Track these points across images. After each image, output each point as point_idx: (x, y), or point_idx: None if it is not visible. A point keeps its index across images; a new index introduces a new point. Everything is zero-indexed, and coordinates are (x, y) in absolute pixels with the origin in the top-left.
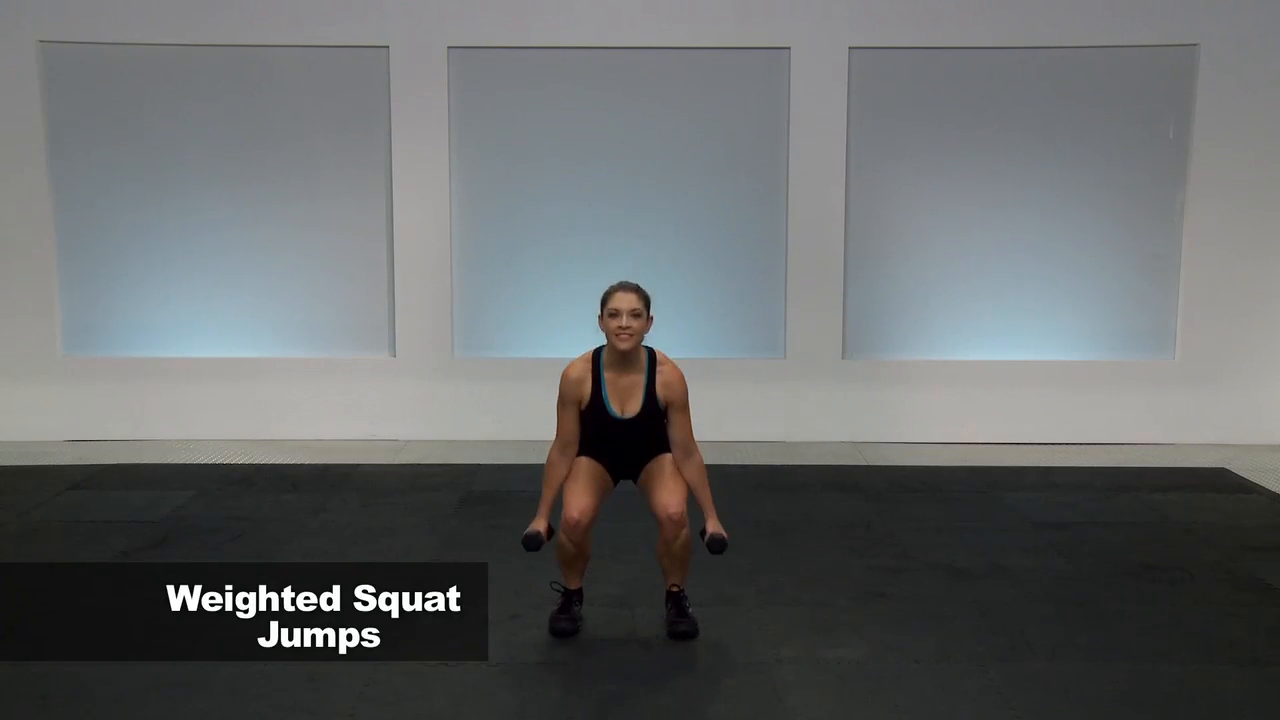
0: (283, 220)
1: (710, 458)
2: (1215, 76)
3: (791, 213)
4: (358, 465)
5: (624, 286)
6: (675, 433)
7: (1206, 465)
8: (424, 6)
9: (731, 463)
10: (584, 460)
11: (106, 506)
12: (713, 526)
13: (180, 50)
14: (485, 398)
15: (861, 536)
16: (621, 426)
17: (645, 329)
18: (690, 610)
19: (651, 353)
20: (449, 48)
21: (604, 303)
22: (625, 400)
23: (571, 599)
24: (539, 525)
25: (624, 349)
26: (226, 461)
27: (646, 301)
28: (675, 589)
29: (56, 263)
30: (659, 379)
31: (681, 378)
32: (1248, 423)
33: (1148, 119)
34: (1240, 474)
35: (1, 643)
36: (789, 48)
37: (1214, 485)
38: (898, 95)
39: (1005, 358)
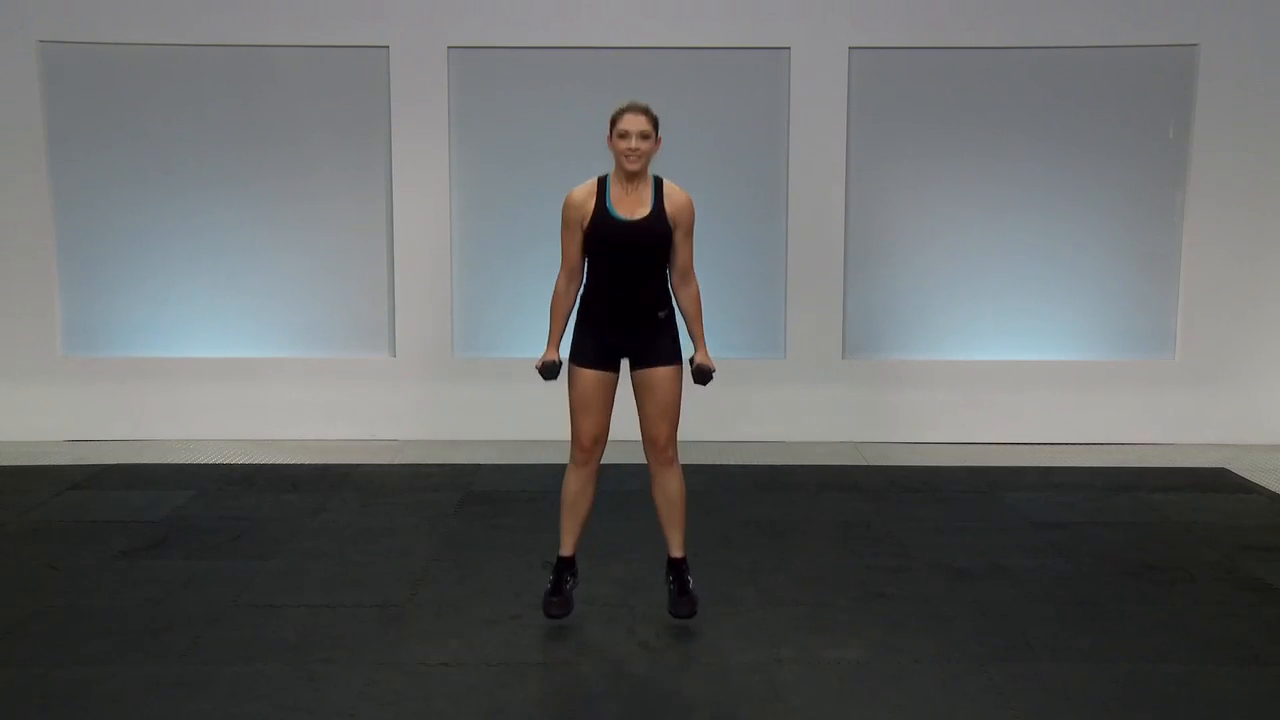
0: (283, 220)
1: (710, 458)
2: (1215, 76)
3: (791, 213)
4: (358, 465)
5: (633, 108)
6: (678, 257)
7: (1206, 465)
8: (424, 6)
9: (731, 463)
10: (582, 376)
11: (106, 506)
12: (700, 357)
13: (180, 50)
14: (485, 398)
15: (861, 536)
16: (627, 230)
17: (654, 150)
18: (691, 586)
19: (658, 177)
20: (449, 48)
21: (613, 123)
22: (633, 209)
23: (564, 573)
24: (551, 355)
25: (632, 169)
26: (226, 461)
27: (655, 122)
28: (678, 556)
29: (56, 263)
30: (667, 199)
31: (690, 201)
32: (1248, 423)
33: (1148, 119)
34: (1240, 474)
35: (1, 643)
36: (789, 48)
37: (1214, 485)
38: (898, 95)
39: (1005, 358)
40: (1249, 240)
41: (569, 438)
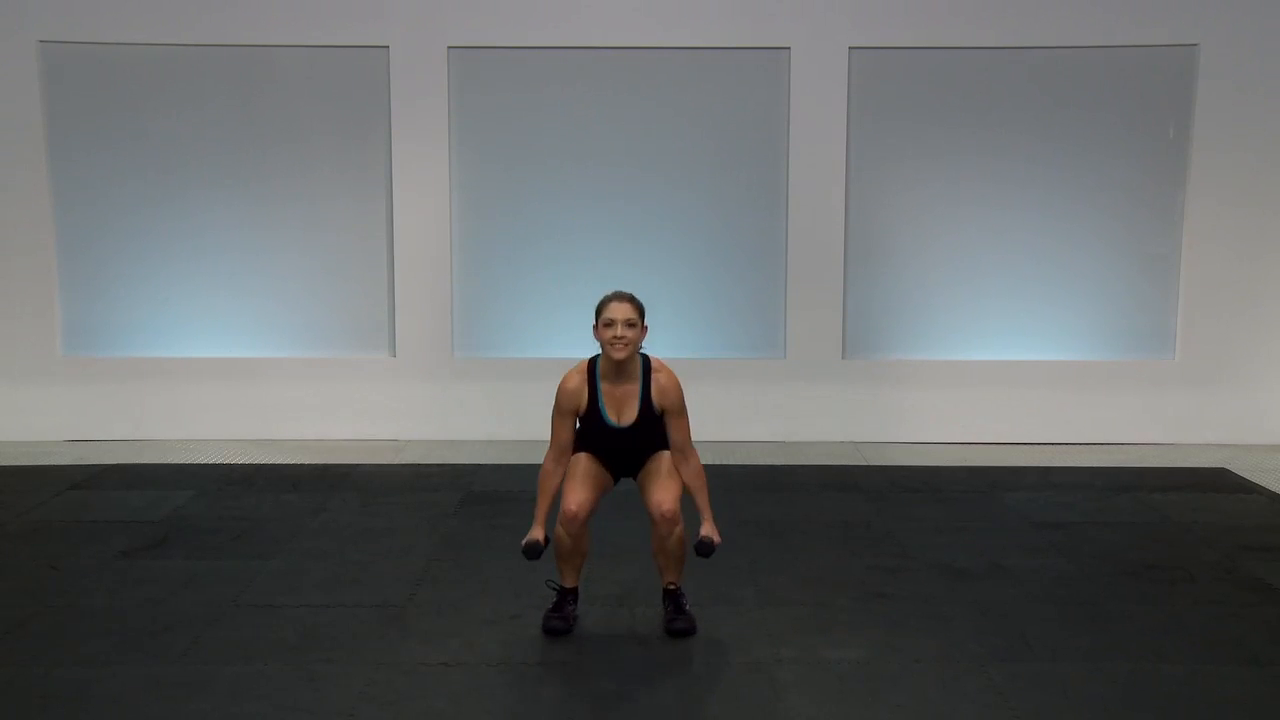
0: (283, 220)
1: (710, 458)
2: (1215, 76)
3: (791, 213)
4: (358, 465)
5: (618, 296)
6: (673, 437)
7: (1206, 465)
8: (424, 6)
9: (731, 463)
10: (583, 456)
11: (106, 506)
12: (706, 530)
13: (181, 50)
14: (485, 398)
15: (861, 536)
16: (619, 435)
17: (640, 338)
18: (688, 608)
19: (646, 360)
20: (449, 48)
21: (598, 313)
22: (621, 409)
23: (566, 598)
24: (536, 534)
25: (619, 359)
26: (226, 461)
27: (641, 311)
28: (672, 587)
29: (56, 263)
30: (654, 387)
31: (677, 384)
32: (1248, 423)
33: (1148, 119)
34: (1240, 474)
35: (1, 643)
36: (789, 48)
37: (1214, 485)
38: (898, 95)
39: (1005, 358)
40: (1249, 240)
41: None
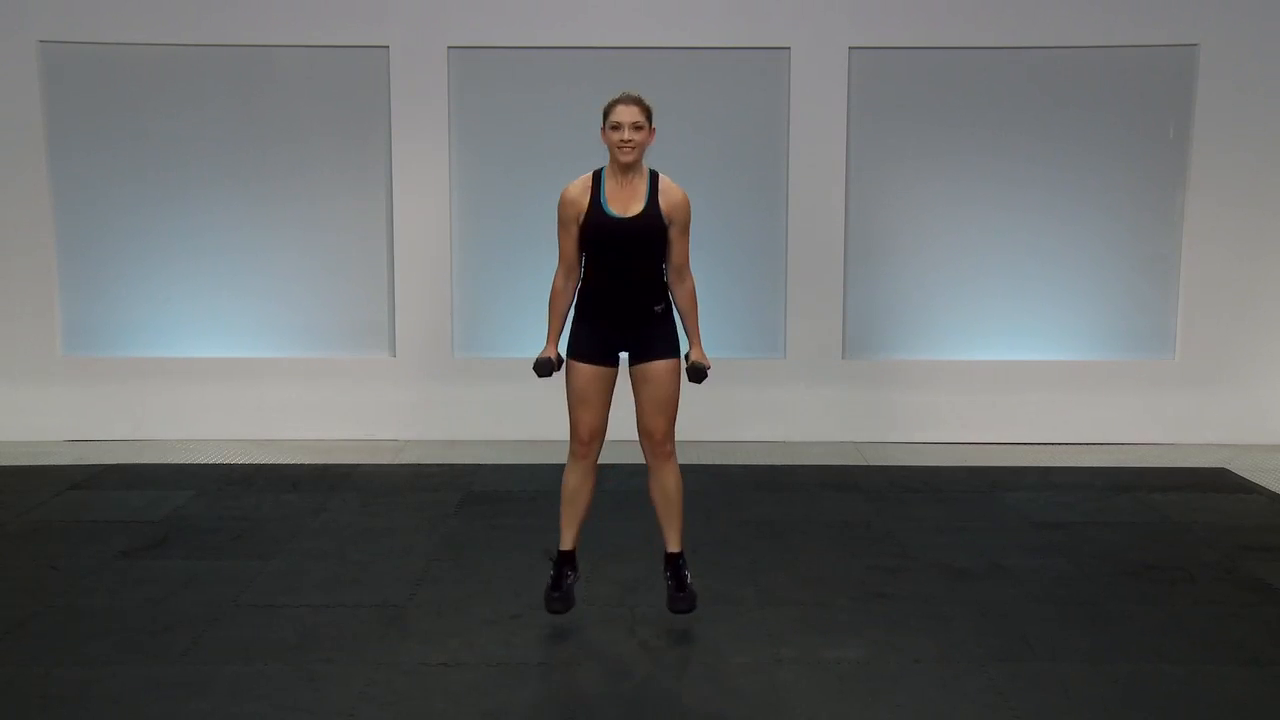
0: (283, 220)
1: (710, 458)
2: (1215, 76)
3: (791, 213)
4: (358, 465)
5: (625, 99)
6: (674, 254)
7: (1206, 465)
8: (424, 6)
9: (731, 463)
10: (580, 371)
11: (106, 506)
12: (696, 355)
13: (180, 50)
14: (485, 398)
15: (861, 536)
16: (622, 227)
17: (648, 141)
18: (690, 582)
19: (654, 172)
20: (449, 48)
21: (605, 115)
22: (626, 205)
23: (564, 568)
24: (549, 351)
25: (626, 161)
26: (226, 461)
27: (648, 113)
28: (674, 552)
29: (56, 263)
30: (663, 193)
31: (686, 197)
32: (1248, 423)
33: (1148, 119)
34: (1240, 474)
35: (1, 643)
36: (789, 48)
37: (1214, 485)
38: (898, 95)
39: (1005, 358)
40: (1249, 240)
41: (568, 434)
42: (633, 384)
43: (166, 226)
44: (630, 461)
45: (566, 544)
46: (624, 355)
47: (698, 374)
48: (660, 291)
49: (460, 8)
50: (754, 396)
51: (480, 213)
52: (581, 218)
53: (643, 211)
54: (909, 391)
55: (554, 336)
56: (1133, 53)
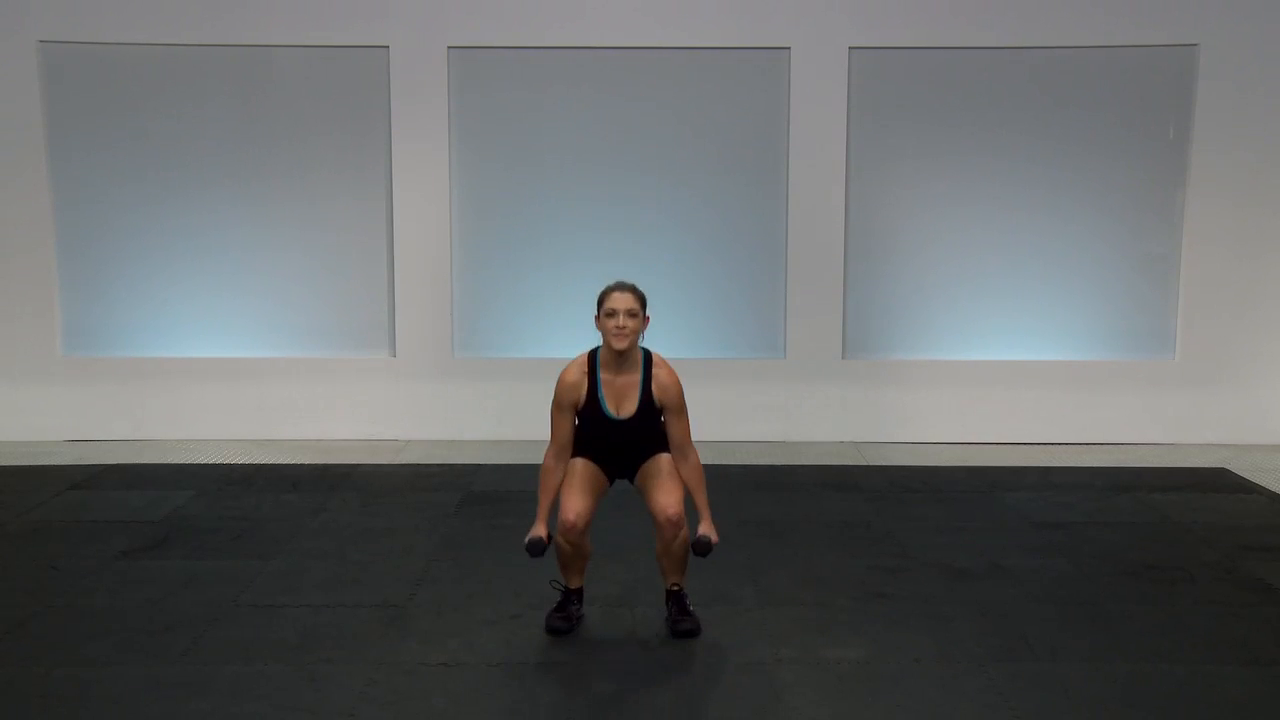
0: (283, 220)
1: (710, 458)
2: (1215, 76)
3: (791, 213)
4: (358, 465)
5: (620, 286)
6: (672, 436)
7: (1206, 465)
8: (424, 6)
9: (731, 463)
10: (579, 461)
11: (106, 506)
12: (704, 529)
13: (180, 50)
14: (485, 398)
15: (861, 536)
16: (618, 427)
17: (642, 328)
18: (692, 609)
19: (647, 354)
20: (449, 48)
21: (600, 303)
22: (621, 401)
23: (570, 598)
24: (539, 531)
25: (620, 349)
26: (226, 461)
27: (642, 301)
28: (675, 588)
29: (56, 263)
30: (655, 381)
31: (676, 380)
32: (1248, 423)
33: (1148, 119)
34: (1240, 474)
35: (1, 643)
36: (789, 48)
37: (1214, 485)
38: (898, 95)
39: (1005, 358)
40: (1249, 240)
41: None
42: (639, 486)
43: (166, 226)
44: None
45: (573, 585)
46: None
47: (703, 548)
48: (662, 443)
49: (460, 8)
50: (754, 396)
51: (480, 213)
52: (579, 408)
53: (637, 411)
54: (909, 391)
55: (544, 515)
56: (1133, 53)
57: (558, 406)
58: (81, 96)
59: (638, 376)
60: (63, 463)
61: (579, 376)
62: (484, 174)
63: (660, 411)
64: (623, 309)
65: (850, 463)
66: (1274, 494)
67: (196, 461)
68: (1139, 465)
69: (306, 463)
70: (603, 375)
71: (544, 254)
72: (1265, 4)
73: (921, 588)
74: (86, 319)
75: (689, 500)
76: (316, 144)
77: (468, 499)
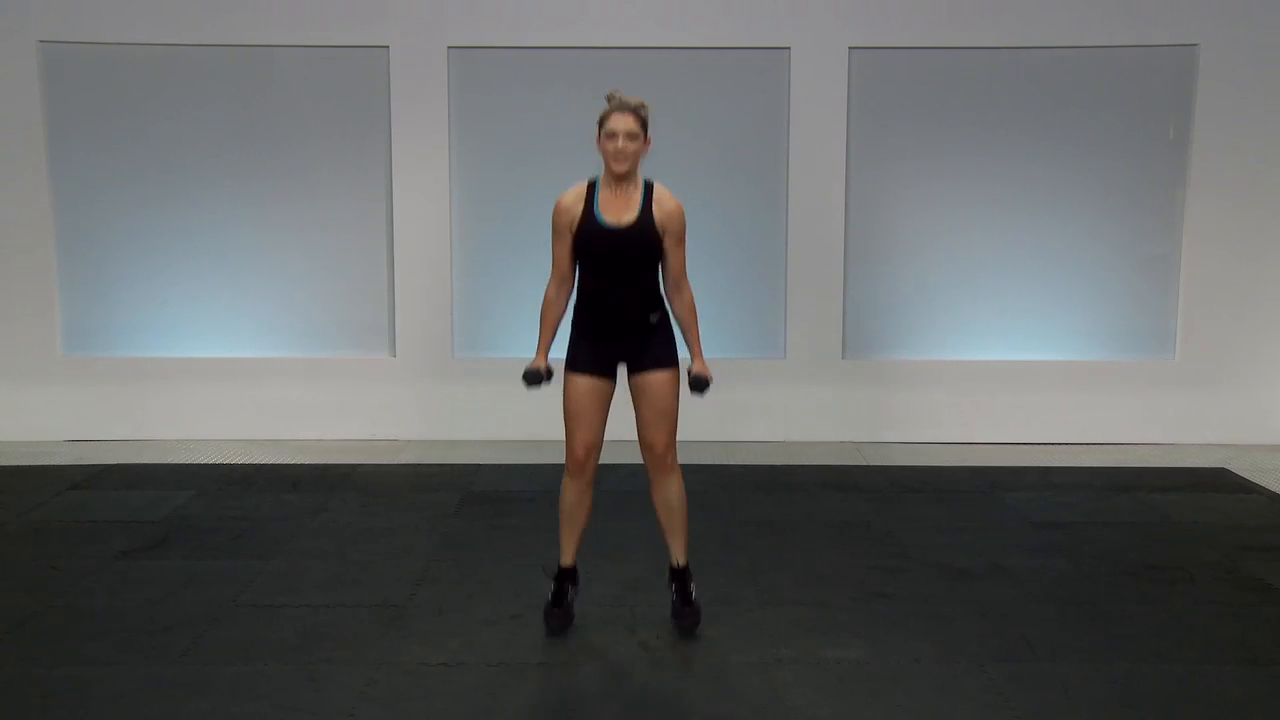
0: (283, 220)
1: (710, 458)
2: (1215, 76)
3: (791, 213)
4: (358, 465)
5: (621, 107)
6: (669, 265)
7: (1206, 465)
8: (424, 6)
9: (731, 463)
10: (576, 384)
11: (106, 506)
12: (697, 366)
13: (180, 50)
14: (485, 398)
15: (861, 536)
16: (614, 236)
17: (643, 151)
18: (695, 596)
19: (649, 182)
20: (449, 48)
21: (600, 124)
22: (619, 214)
23: (565, 584)
24: (539, 362)
25: (620, 171)
26: (226, 461)
27: (644, 122)
28: (679, 566)
29: (56, 263)
30: (656, 204)
31: (680, 207)
32: (1248, 423)
33: (1148, 119)
34: (1240, 474)
35: (1, 643)
36: (789, 48)
37: (1214, 485)
38: (898, 95)
39: (1005, 358)
40: (1249, 240)
41: (564, 446)
42: (632, 396)
43: (166, 227)
44: (629, 462)
45: (566, 559)
46: (622, 367)
47: (699, 385)
48: (656, 301)
49: (460, 8)
50: (754, 396)
51: (480, 213)
52: (574, 226)
53: (635, 220)
54: (909, 391)
55: (544, 346)
56: (1133, 53)
57: (555, 231)
58: (81, 96)
59: (638, 196)
60: (63, 463)
61: (574, 199)
62: (484, 174)
63: (660, 235)
64: (623, 130)
65: (850, 463)
66: (1274, 494)
67: (196, 461)
68: (1139, 465)
69: (306, 463)
70: (601, 194)
71: (544, 254)
72: (1265, 4)
73: (921, 588)
74: (86, 319)
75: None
76: (316, 144)
77: (468, 499)
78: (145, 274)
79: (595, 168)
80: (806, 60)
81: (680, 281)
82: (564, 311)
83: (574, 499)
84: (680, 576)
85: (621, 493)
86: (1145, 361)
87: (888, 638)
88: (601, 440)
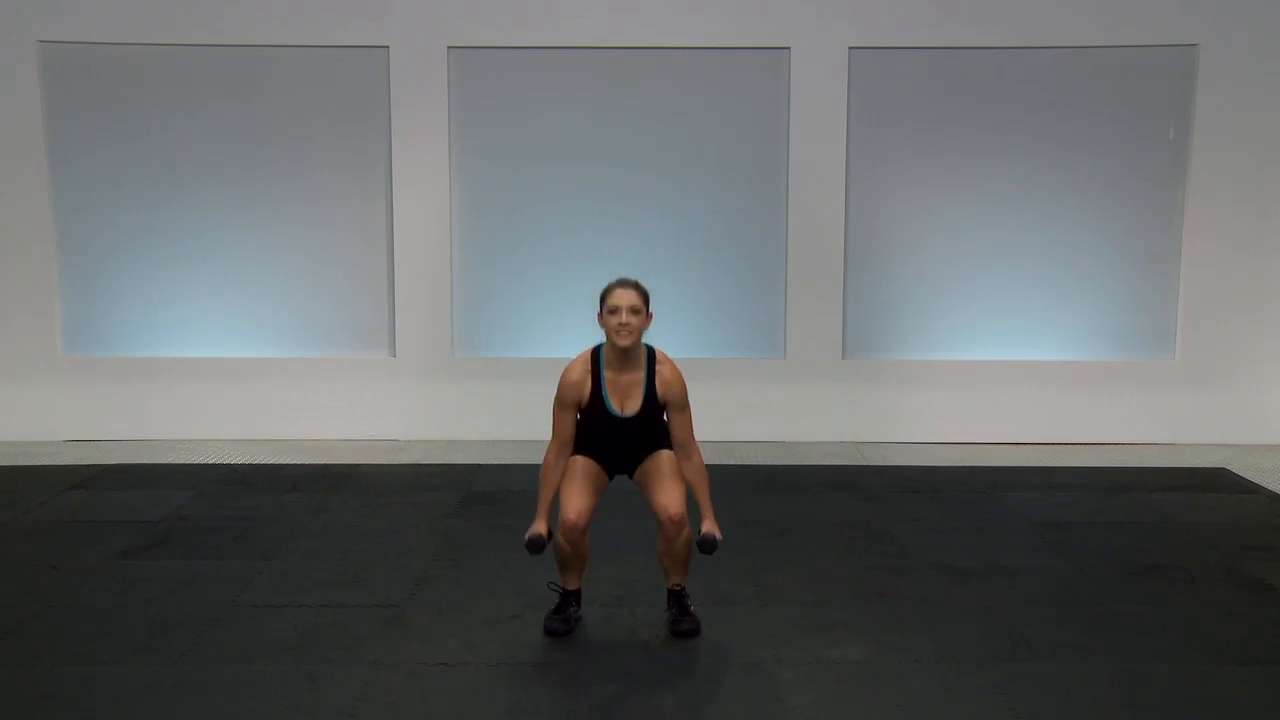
0: (283, 220)
1: (710, 458)
2: (1215, 76)
3: (791, 213)
4: (358, 465)
5: (623, 283)
6: (675, 433)
7: (1206, 465)
8: (424, 6)
9: (731, 463)
10: (579, 459)
11: (106, 506)
12: (708, 526)
13: (180, 50)
14: (485, 398)
15: (861, 536)
16: (622, 425)
17: (645, 325)
18: (693, 609)
19: (651, 351)
20: (449, 48)
21: (603, 300)
22: (625, 398)
23: (568, 600)
24: (539, 528)
25: (624, 346)
26: (226, 461)
27: (645, 298)
28: (677, 588)
29: (56, 263)
30: (658, 377)
31: (680, 377)
32: (1248, 423)
33: (1148, 119)
34: (1240, 474)
35: (1, 643)
36: (789, 48)
37: (1214, 485)
38: (898, 95)
39: (1005, 358)
40: (1249, 240)
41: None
42: (640, 483)
43: (166, 226)
44: None
45: (571, 586)
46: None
47: (708, 546)
48: (664, 439)
49: (460, 8)
50: (754, 396)
51: (480, 213)
52: (582, 406)
53: (641, 408)
54: (909, 391)
55: (545, 511)
56: (1133, 53)
57: (560, 404)
58: (81, 96)
59: (641, 374)
60: (63, 463)
61: (582, 375)
62: (484, 174)
63: (663, 408)
64: (625, 306)
65: (850, 463)
66: (1274, 494)
67: (196, 461)
68: (1139, 465)
69: (306, 463)
70: (606, 373)
71: (544, 254)
72: (1265, 4)
73: (921, 588)
74: (86, 319)
75: (691, 501)
76: (316, 144)
77: (468, 499)
78: (145, 274)
79: (596, 168)
80: (806, 60)
81: (687, 445)
82: (562, 476)
83: (571, 551)
84: (678, 595)
85: (621, 493)
86: (1145, 361)
87: (888, 638)
88: (591, 514)
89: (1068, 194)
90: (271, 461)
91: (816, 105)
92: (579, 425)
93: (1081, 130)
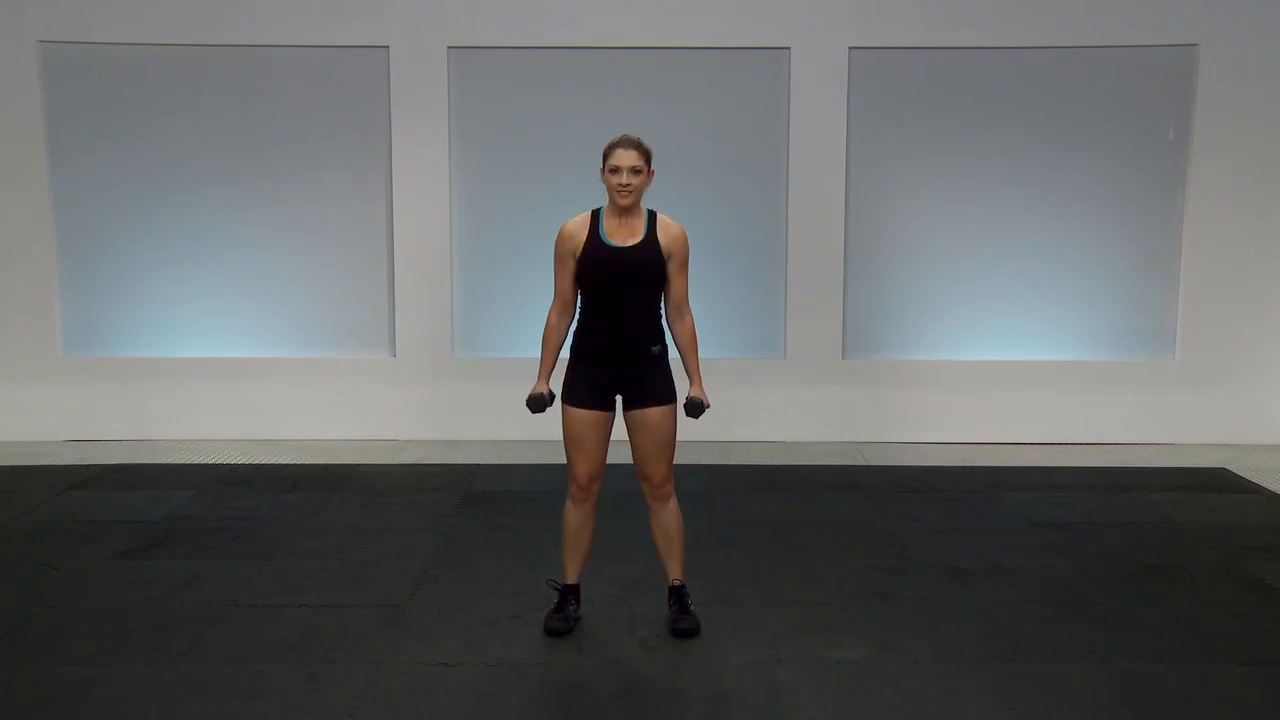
0: (283, 220)
1: (710, 458)
2: (1215, 76)
3: (791, 213)
4: (358, 465)
5: (624, 142)
6: (673, 290)
7: (1206, 465)
8: (424, 6)
9: (731, 463)
10: (575, 416)
11: (106, 506)
12: (695, 391)
13: (180, 50)
14: (485, 398)
15: (861, 536)
16: (620, 258)
17: (646, 184)
18: (692, 607)
19: (652, 211)
20: (449, 48)
21: (605, 158)
22: (624, 238)
23: (567, 597)
24: (540, 388)
25: (624, 204)
26: (226, 461)
27: (647, 157)
28: (677, 583)
29: (56, 263)
30: (661, 231)
31: (684, 233)
32: (1248, 423)
33: (1148, 119)
34: (1240, 474)
35: (1, 643)
36: (789, 48)
37: (1214, 485)
38: (898, 95)
39: (1005, 358)
40: (1249, 240)
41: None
42: (628, 429)
43: (166, 226)
44: (629, 462)
45: (570, 579)
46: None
47: (695, 409)
48: (657, 332)
49: (460, 8)
50: (754, 396)
51: (480, 213)
52: (579, 251)
53: (641, 243)
54: (909, 391)
55: (546, 372)
56: (1133, 53)
57: (558, 258)
58: (81, 96)
59: (642, 224)
60: (63, 463)
61: (578, 226)
62: (484, 174)
63: (664, 259)
64: (626, 165)
65: (850, 463)
66: (1274, 494)
67: (196, 461)
68: (1139, 465)
69: (306, 463)
70: (606, 223)
71: (544, 254)
72: (1265, 4)
73: (921, 588)
74: (86, 319)
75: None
76: (316, 144)
77: (468, 499)
78: (145, 274)
79: (596, 168)
80: (806, 60)
81: (682, 307)
82: (565, 338)
83: (578, 524)
84: (678, 593)
85: (621, 493)
86: (1145, 361)
87: (888, 638)
88: (603, 468)
89: (1068, 194)
90: (271, 461)
91: (816, 105)
92: (578, 275)
93: (1081, 130)
